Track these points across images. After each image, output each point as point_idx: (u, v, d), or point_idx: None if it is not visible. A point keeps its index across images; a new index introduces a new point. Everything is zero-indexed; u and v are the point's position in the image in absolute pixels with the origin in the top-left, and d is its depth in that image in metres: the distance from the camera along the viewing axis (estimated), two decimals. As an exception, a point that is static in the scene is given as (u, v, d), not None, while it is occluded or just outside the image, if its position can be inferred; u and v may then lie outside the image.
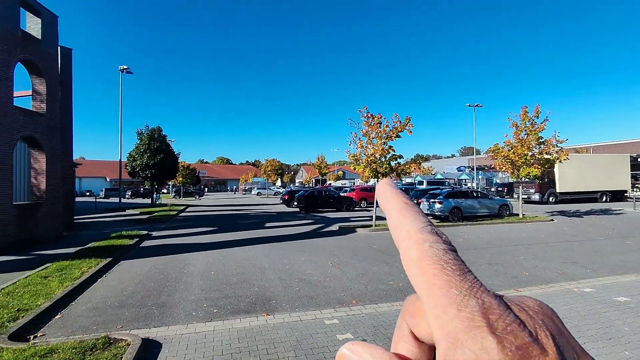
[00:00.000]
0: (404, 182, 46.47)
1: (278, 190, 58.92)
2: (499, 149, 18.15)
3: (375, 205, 15.74)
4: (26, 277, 7.40)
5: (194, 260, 9.42)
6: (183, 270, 8.43)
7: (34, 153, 13.03)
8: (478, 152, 57.35)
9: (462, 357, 0.21)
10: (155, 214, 22.42)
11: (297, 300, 6.14)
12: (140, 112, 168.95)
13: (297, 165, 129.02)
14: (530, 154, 17.26)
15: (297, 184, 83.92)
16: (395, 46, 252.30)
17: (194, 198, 49.93)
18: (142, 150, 28.07)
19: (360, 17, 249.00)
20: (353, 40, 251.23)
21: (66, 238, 13.44)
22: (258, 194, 59.19)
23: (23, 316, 5.17)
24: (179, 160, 34.57)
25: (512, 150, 17.44)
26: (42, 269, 8.05)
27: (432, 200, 18.24)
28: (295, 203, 27.34)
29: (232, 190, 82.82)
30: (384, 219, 15.97)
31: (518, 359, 0.21)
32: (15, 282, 6.98)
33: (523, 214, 17.90)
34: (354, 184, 51.88)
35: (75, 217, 17.69)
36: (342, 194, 27.82)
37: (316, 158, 66.83)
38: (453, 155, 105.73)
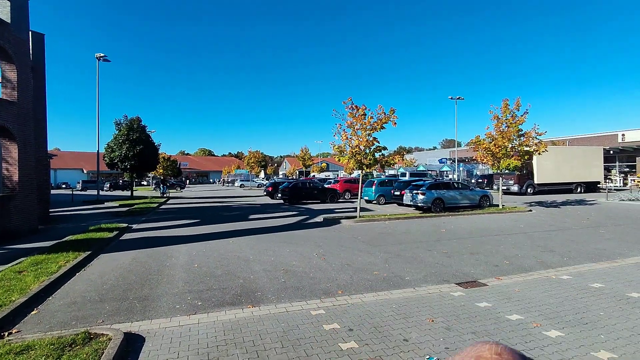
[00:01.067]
0: (387, 173, 46.88)
1: (261, 182, 58.49)
2: (480, 141, 18.46)
3: (359, 197, 15.82)
4: (-1, 272, 7.10)
5: (176, 253, 9.25)
6: (165, 263, 8.26)
7: (5, 143, 12.44)
8: (459, 145, 58.27)
9: None
10: (136, 206, 21.90)
11: (283, 292, 6.11)
12: (119, 103, 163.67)
13: (281, 157, 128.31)
14: (510, 146, 17.63)
15: (280, 176, 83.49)
16: (380, 38, 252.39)
17: (175, 190, 48.99)
18: (120, 141, 27.26)
19: (344, 7, 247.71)
20: (337, 31, 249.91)
21: (41, 231, 12.98)
22: (241, 186, 58.63)
23: (-4, 312, 4.96)
24: (160, 151, 33.77)
25: (492, 143, 17.76)
26: (15, 264, 7.74)
27: (415, 191, 18.45)
28: (279, 195, 27.20)
29: (213, 182, 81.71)
30: (368, 210, 16.20)
31: None
32: (-12, 278, 6.68)
33: (503, 205, 18.34)
34: (337, 175, 51.98)
35: (50, 210, 17.10)
36: (326, 186, 27.83)
37: (300, 150, 66.55)
38: (435, 148, 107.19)
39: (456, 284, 6.47)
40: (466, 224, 14.26)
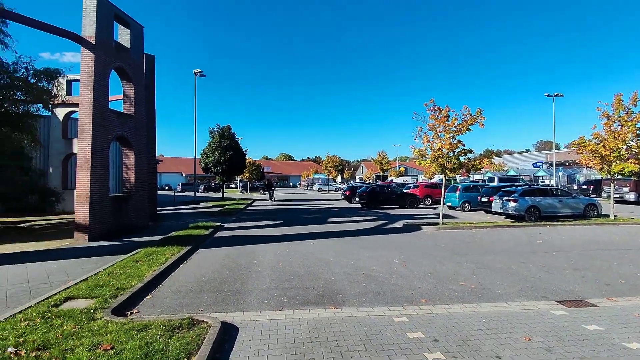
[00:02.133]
0: (471, 178, 43.95)
1: (339, 186, 59.26)
2: (585, 142, 16.32)
3: (442, 202, 15.12)
4: (121, 260, 8.36)
5: (263, 252, 9.88)
6: (253, 260, 8.88)
7: (125, 150, 14.62)
8: (557, 147, 52.21)
9: None
10: (226, 207, 23.88)
11: (364, 296, 6.14)
12: (210, 110, 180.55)
13: (357, 161, 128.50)
14: (624, 147, 15.26)
15: (357, 180, 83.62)
16: (462, 36, 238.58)
17: (259, 193, 52.19)
18: (213, 147, 30.05)
19: (421, 6, 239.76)
20: (415, 32, 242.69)
21: (151, 227, 14.89)
22: (319, 189, 60.05)
23: (121, 294, 5.85)
24: (246, 156, 36.36)
25: (601, 144, 15.57)
26: (133, 254, 9.02)
27: (505, 198, 17.01)
28: (357, 199, 27.28)
29: (293, 186, 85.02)
30: (451, 217, 15.44)
31: None
32: (114, 264, 7.92)
33: (615, 215, 15.94)
34: (416, 180, 50.32)
35: (157, 209, 19.52)
36: (404, 191, 27.14)
37: (377, 154, 66.11)
38: (528, 150, 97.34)
39: (557, 301, 5.82)
40: (568, 235, 12.71)
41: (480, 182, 33.42)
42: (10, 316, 4.92)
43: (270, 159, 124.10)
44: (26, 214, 18.19)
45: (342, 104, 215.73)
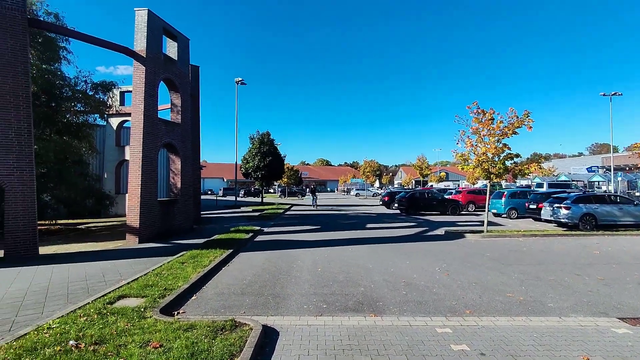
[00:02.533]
0: (517, 183, 41.74)
1: (377, 191, 58.60)
2: (649, 144, 14.98)
3: (486, 209, 14.47)
4: (168, 262, 8.77)
5: (301, 256, 9.96)
6: (292, 265, 8.97)
7: (172, 157, 15.39)
8: (616, 150, 48.35)
9: None
10: (265, 211, 24.38)
11: (405, 305, 6.00)
12: (249, 116, 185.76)
13: (396, 166, 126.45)
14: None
15: (395, 186, 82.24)
16: (502, 35, 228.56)
17: (297, 198, 52.82)
18: (253, 153, 30.88)
19: (457, 9, 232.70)
20: (453, 31, 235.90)
21: (195, 230, 15.51)
22: (357, 194, 59.72)
23: (168, 294, 6.13)
24: (284, 162, 36.98)
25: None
26: (179, 256, 9.44)
27: (557, 205, 15.98)
28: (396, 205, 26.80)
29: (331, 191, 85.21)
30: (496, 224, 14.74)
31: None
32: (161, 266, 8.32)
33: (686, 225, 14.43)
34: (458, 185, 48.60)
35: (201, 213, 20.32)
36: (446, 197, 26.30)
37: (416, 159, 64.61)
38: (581, 154, 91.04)
39: (619, 318, 5.35)
40: (630, 246, 11.68)
41: (528, 188, 31.65)
42: (71, 311, 5.31)
43: (307, 164, 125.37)
44: (84, 217, 19.64)
45: (380, 108, 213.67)
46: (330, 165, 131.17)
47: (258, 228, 15.64)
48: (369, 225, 17.76)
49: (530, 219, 19.52)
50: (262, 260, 9.49)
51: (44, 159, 13.09)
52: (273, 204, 34.47)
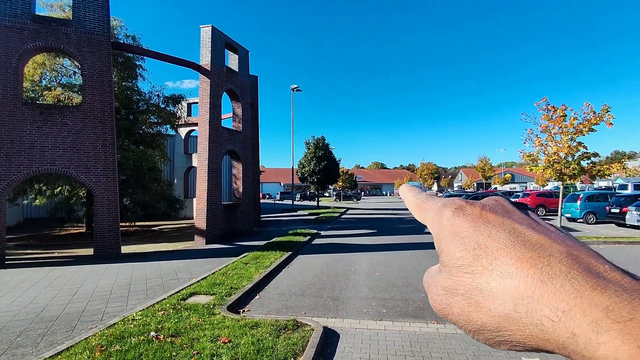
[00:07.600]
0: (595, 185, 37.70)
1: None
2: None
3: (559, 213, 13.30)
4: (233, 262, 9.27)
5: (359, 260, 9.95)
6: (350, 268, 9.00)
7: (234, 163, 16.26)
8: None
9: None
10: (321, 215, 24.68)
11: (469, 313, 5.73)
12: (304, 121, 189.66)
13: (455, 168, 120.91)
14: None
15: (455, 188, 78.66)
16: (571, 31, 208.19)
17: (352, 201, 52.75)
18: (309, 158, 31.51)
19: (523, 6, 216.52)
20: (516, 31, 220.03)
21: (255, 232, 16.19)
22: (414, 198, 58.00)
23: (234, 293, 6.50)
24: (339, 166, 37.18)
25: None
26: (242, 257, 9.93)
27: (645, 209, 14.21)
28: (456, 208, 25.59)
29: (385, 194, 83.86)
30: (571, 229, 13.36)
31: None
32: (227, 266, 8.83)
33: None
34: (526, 188, 45.16)
35: (260, 216, 21.15)
36: (512, 200, 24.58)
37: (478, 160, 61.27)
38: (676, 150, 79.73)
39: None
40: None
41: (608, 190, 28.50)
42: (151, 305, 5.86)
43: (362, 167, 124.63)
44: (157, 219, 21.45)
45: (437, 108, 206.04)
46: (386, 168, 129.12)
47: (315, 231, 15.90)
48: (427, 230, 17.09)
49: (613, 225, 17.55)
50: (320, 263, 9.64)
51: (124, 167, 14.57)
52: (329, 207, 34.77)
